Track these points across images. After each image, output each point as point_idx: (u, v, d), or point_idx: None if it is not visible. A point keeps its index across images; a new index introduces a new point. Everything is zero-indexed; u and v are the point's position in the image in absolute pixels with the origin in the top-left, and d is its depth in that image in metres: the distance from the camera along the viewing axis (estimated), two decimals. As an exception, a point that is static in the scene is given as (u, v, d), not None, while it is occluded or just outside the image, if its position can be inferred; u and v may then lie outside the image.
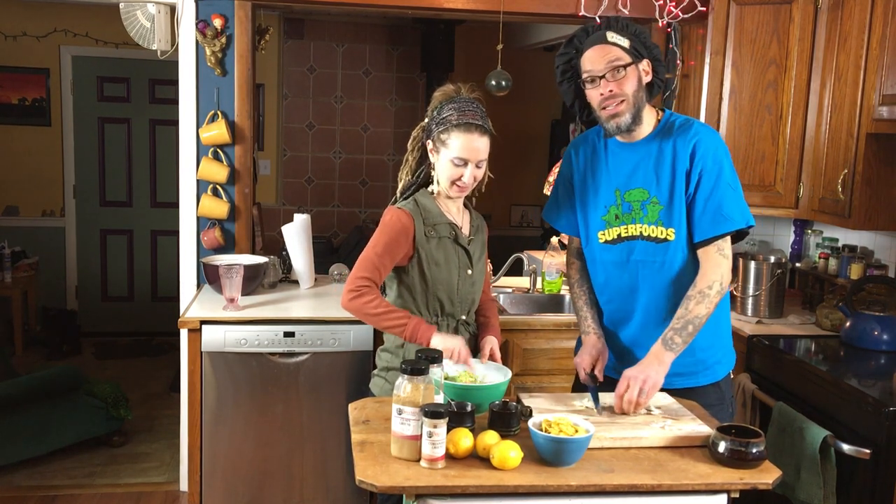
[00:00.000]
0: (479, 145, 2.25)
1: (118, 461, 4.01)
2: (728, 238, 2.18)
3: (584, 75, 2.18)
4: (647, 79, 2.20)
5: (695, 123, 2.23)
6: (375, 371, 2.48)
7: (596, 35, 2.19)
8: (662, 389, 2.22)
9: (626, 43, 2.16)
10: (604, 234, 2.30)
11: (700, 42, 3.51)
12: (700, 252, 2.19)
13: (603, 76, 2.14)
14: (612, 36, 2.16)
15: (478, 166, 2.28)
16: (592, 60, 2.16)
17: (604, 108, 2.18)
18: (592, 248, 2.35)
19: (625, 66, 2.14)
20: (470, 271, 2.39)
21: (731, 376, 2.43)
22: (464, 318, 2.41)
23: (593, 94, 2.19)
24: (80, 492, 3.66)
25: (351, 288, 2.25)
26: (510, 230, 6.98)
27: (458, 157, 2.25)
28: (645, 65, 2.20)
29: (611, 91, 2.14)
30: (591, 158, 2.34)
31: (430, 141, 2.33)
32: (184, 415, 3.54)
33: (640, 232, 2.24)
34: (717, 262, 2.15)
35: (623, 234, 2.26)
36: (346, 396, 2.97)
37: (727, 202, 2.15)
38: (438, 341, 2.19)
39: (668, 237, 2.21)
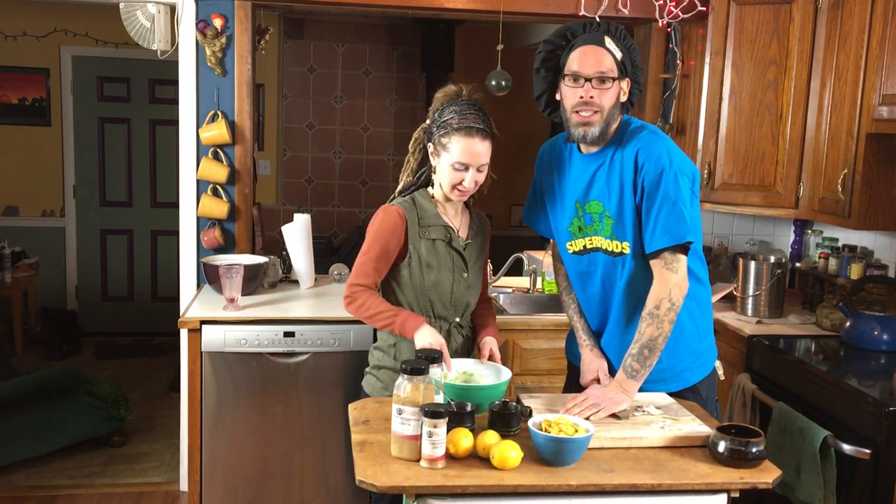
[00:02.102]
0: (481, 149, 2.22)
1: (118, 461, 4.00)
2: (676, 251, 2.09)
3: (569, 72, 2.11)
4: (622, 98, 2.16)
5: (644, 130, 2.17)
6: (368, 369, 2.48)
7: (593, 35, 2.13)
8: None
9: (619, 55, 2.11)
10: (571, 245, 2.29)
11: (700, 42, 3.51)
12: (652, 265, 2.13)
13: (589, 80, 2.09)
14: (609, 43, 2.10)
15: (479, 170, 2.25)
16: (583, 62, 2.09)
17: (576, 112, 2.12)
18: (564, 256, 2.36)
19: (612, 79, 2.09)
20: (465, 275, 2.37)
21: (721, 376, 2.42)
22: (458, 320, 2.40)
23: (571, 94, 2.12)
24: (80, 492, 3.66)
25: (345, 294, 2.30)
26: (510, 230, 6.97)
27: (458, 161, 2.22)
28: (625, 84, 2.15)
29: (591, 97, 2.09)
30: (557, 167, 2.32)
31: (430, 143, 2.31)
32: (184, 415, 3.54)
33: (600, 245, 2.23)
34: (664, 277, 2.10)
35: (588, 246, 2.26)
36: (346, 396, 2.97)
37: (664, 216, 2.07)
38: (421, 337, 2.19)
39: (623, 251, 2.19)
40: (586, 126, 2.12)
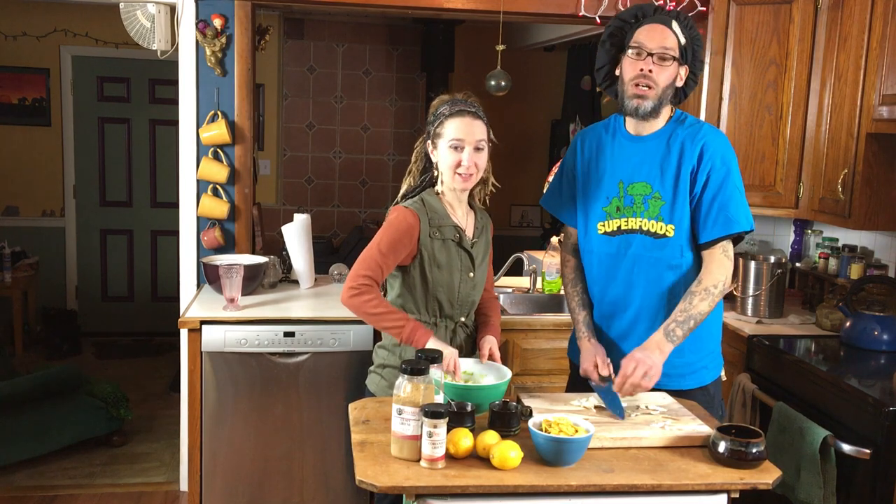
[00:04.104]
0: (474, 126, 2.27)
1: (118, 461, 4.01)
2: (730, 240, 2.21)
3: (633, 44, 2.20)
4: (679, 83, 2.25)
5: (704, 125, 2.27)
6: (372, 368, 2.48)
7: (662, 17, 2.23)
8: (653, 390, 2.23)
9: (682, 40, 2.21)
10: (603, 226, 2.31)
11: (700, 42, 3.51)
12: (705, 252, 2.22)
13: (651, 54, 2.17)
14: (676, 26, 2.21)
15: (477, 149, 2.27)
16: (649, 36, 2.19)
17: (634, 84, 2.20)
18: (590, 238, 2.36)
19: (672, 58, 2.19)
20: (472, 274, 2.38)
21: (723, 378, 2.44)
22: (463, 320, 2.41)
23: (631, 67, 2.21)
24: (80, 492, 3.67)
25: (352, 285, 2.23)
26: (510, 230, 6.98)
27: (454, 138, 2.25)
28: (683, 71, 2.25)
29: (650, 71, 2.18)
30: (596, 149, 2.36)
31: (429, 142, 2.33)
32: (184, 415, 3.54)
33: (640, 226, 2.26)
34: (721, 262, 2.18)
35: (623, 227, 2.28)
36: (346, 396, 2.97)
37: (733, 204, 2.18)
38: (432, 346, 2.18)
39: (667, 233, 2.23)
40: (641, 99, 2.21)
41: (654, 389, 2.23)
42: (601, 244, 2.33)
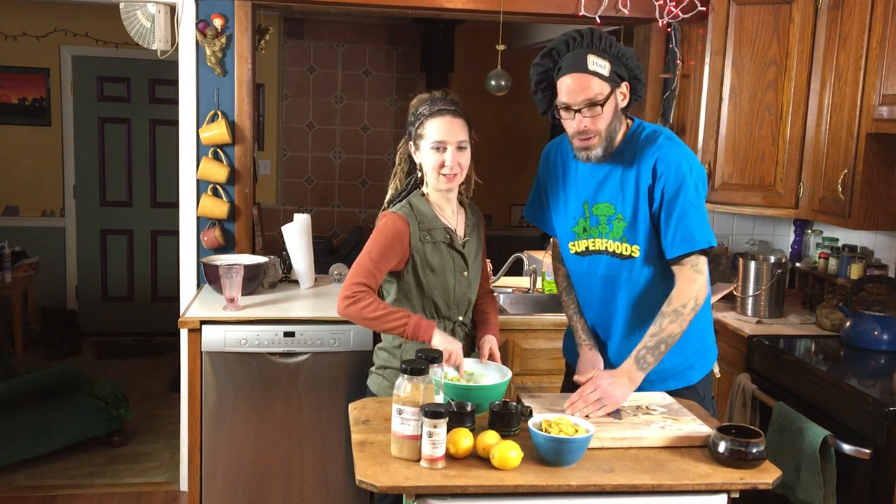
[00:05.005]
0: (455, 126, 2.25)
1: (118, 461, 4.01)
2: (700, 254, 2.15)
3: (560, 104, 2.12)
4: (623, 103, 2.16)
5: (660, 136, 2.19)
6: (373, 369, 2.48)
7: (576, 56, 2.09)
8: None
9: (605, 69, 2.08)
10: (574, 246, 2.30)
11: (700, 42, 3.51)
12: (674, 269, 2.17)
13: (579, 110, 2.09)
14: (592, 62, 2.07)
15: (460, 148, 2.26)
16: (570, 91, 2.09)
17: (576, 139, 2.14)
18: (565, 256, 2.37)
19: (602, 104, 2.08)
20: (466, 273, 2.38)
21: (717, 374, 2.43)
22: (461, 318, 2.41)
23: (567, 124, 2.15)
24: (80, 492, 3.66)
25: (347, 294, 2.23)
26: (510, 230, 6.98)
27: (435, 140, 2.24)
28: (623, 87, 2.15)
29: (585, 127, 2.10)
30: (562, 166, 2.33)
31: (411, 143, 2.33)
32: (184, 415, 3.54)
33: (606, 247, 2.23)
34: (691, 278, 2.14)
35: (591, 248, 2.26)
36: (346, 396, 2.97)
37: (690, 222, 2.12)
38: (438, 341, 2.19)
39: (633, 254, 2.20)
40: (587, 150, 2.15)
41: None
42: (573, 263, 2.33)
